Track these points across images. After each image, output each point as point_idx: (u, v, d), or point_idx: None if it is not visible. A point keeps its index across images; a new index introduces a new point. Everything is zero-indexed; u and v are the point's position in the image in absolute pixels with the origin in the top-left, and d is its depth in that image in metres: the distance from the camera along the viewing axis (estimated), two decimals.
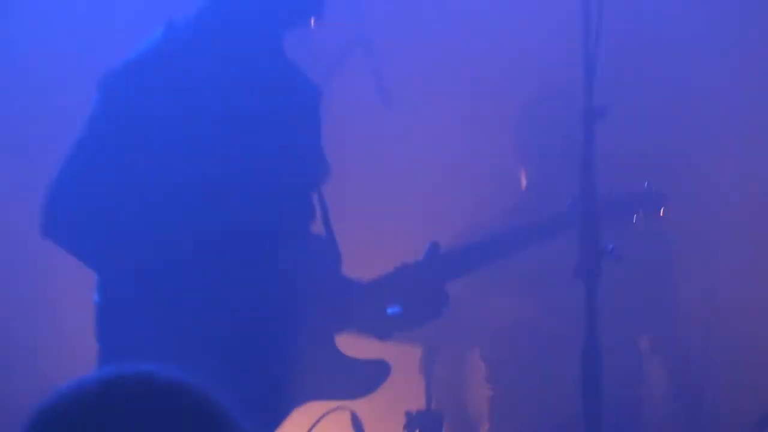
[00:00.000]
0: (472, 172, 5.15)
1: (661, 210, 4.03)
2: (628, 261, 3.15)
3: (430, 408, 3.79)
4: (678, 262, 4.96)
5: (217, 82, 3.28)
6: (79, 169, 3.25)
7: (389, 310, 3.57)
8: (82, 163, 3.26)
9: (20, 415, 1.66)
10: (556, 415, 4.46)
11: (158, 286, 3.25)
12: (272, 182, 3.35)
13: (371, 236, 4.82)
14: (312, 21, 3.44)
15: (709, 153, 5.25)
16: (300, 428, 3.60)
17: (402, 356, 3.76)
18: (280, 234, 3.37)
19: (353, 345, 3.60)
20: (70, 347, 5.37)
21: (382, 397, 3.63)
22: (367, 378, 3.54)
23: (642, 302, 4.75)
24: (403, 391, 4.00)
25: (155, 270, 3.26)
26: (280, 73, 3.42)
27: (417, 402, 3.94)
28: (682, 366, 5.07)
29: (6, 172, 5.70)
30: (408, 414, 3.72)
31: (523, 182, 4.81)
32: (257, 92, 3.33)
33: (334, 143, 3.61)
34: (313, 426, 3.59)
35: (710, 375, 5.26)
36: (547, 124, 4.63)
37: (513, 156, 4.90)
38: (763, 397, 4.90)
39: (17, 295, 5.66)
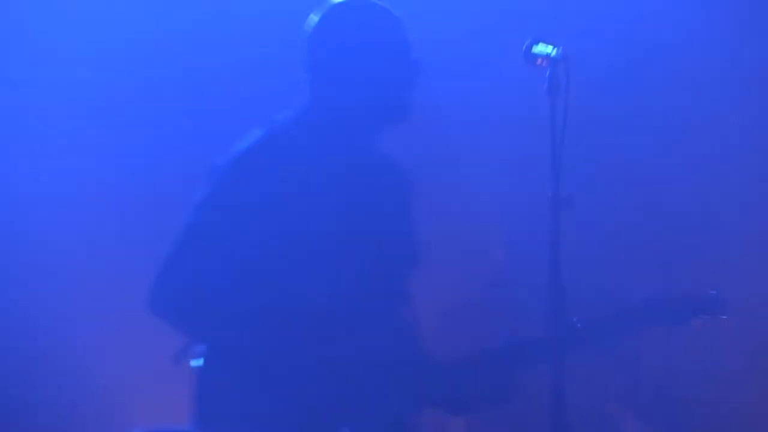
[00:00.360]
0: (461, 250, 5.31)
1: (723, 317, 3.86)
2: None
3: None
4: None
5: (319, 173, 3.50)
6: (189, 253, 3.47)
7: None
8: (192, 247, 3.48)
9: None
10: None
11: (262, 362, 3.46)
12: (371, 265, 3.55)
13: None
14: None
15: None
16: None
17: None
18: (375, 314, 3.56)
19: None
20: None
21: None
22: None
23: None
24: None
25: (260, 347, 3.46)
26: (377, 165, 3.64)
27: None
28: None
29: None
30: None
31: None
32: (357, 182, 3.56)
33: None
34: None
35: None
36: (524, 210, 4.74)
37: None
38: None
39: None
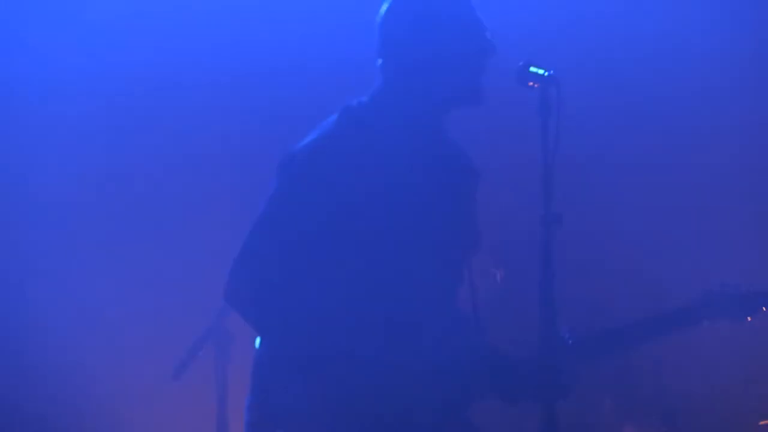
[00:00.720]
0: None
1: None
2: None
3: None
4: None
5: (395, 158, 3.49)
6: (261, 245, 3.45)
7: None
8: (264, 239, 3.46)
9: None
10: None
11: (325, 358, 3.46)
12: (444, 248, 3.56)
13: None
14: None
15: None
16: None
17: None
18: (444, 299, 3.59)
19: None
20: None
21: None
22: None
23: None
24: None
25: (325, 345, 3.46)
26: (449, 150, 3.64)
27: None
28: None
29: None
30: None
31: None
32: (432, 168, 3.55)
33: None
34: None
35: None
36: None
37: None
38: None
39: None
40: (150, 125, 6.14)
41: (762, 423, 4.87)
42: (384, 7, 3.58)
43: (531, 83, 3.40)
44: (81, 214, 5.90)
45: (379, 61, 3.57)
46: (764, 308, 3.88)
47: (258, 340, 3.52)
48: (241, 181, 5.81)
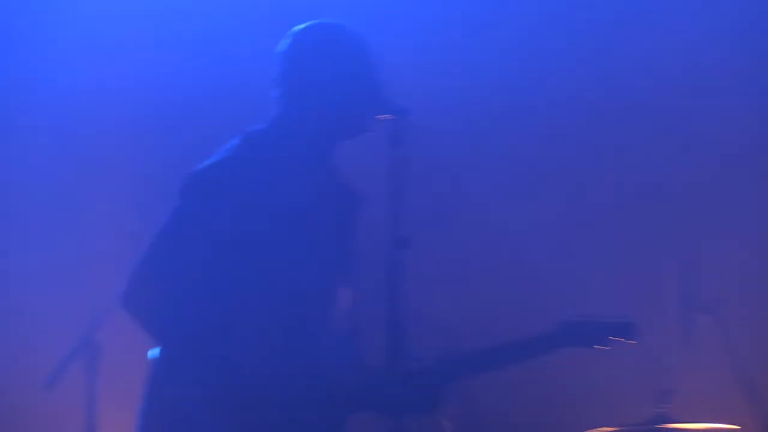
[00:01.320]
0: None
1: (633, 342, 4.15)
2: None
3: None
4: None
5: (281, 183, 3.89)
6: (159, 258, 3.79)
7: None
8: (165, 252, 3.79)
9: None
10: None
11: (217, 367, 3.82)
12: (316, 272, 3.91)
13: None
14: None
15: None
16: None
17: None
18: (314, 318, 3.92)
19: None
20: None
21: None
22: None
23: None
24: None
25: (217, 354, 3.82)
26: (329, 180, 4.02)
27: None
28: None
29: None
30: None
31: None
32: (309, 195, 3.93)
33: None
34: None
35: None
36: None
37: None
38: None
39: None
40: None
41: None
42: (286, 41, 3.98)
43: (381, 116, 3.77)
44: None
45: (278, 91, 3.96)
46: (616, 338, 4.05)
47: (154, 350, 3.81)
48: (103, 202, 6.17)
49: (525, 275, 6.08)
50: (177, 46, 6.28)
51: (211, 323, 3.83)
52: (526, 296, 5.98)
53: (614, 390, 5.94)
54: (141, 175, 6.17)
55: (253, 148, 3.90)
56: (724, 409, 5.03)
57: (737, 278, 6.28)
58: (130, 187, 6.23)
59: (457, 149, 6.24)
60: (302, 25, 4.00)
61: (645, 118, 6.30)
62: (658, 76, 6.22)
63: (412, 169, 3.68)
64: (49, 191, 6.27)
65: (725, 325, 5.25)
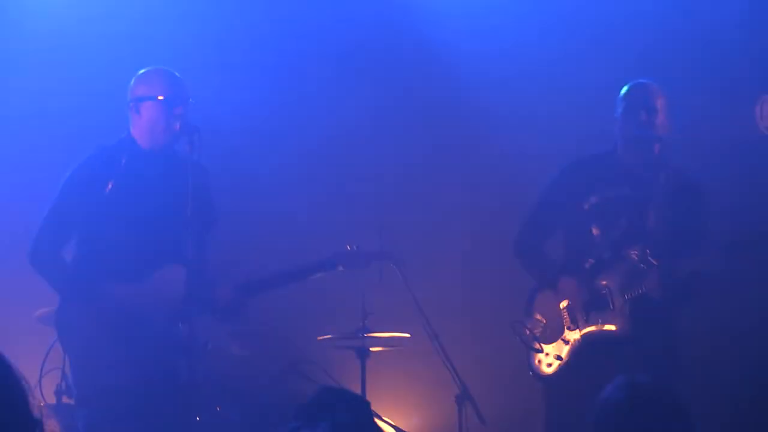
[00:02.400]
0: None
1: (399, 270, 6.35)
2: None
3: None
4: None
5: (121, 174, 5.87)
6: (47, 227, 5.77)
7: None
8: (47, 224, 5.78)
9: None
10: None
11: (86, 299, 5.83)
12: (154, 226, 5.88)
13: None
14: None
15: None
16: None
17: None
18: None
19: None
20: None
21: None
22: None
23: None
24: None
25: (103, 300, 5.79)
26: (168, 162, 5.90)
27: None
28: None
29: None
30: None
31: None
32: (151, 180, 5.91)
33: None
34: None
35: None
36: None
37: None
38: None
39: None
40: None
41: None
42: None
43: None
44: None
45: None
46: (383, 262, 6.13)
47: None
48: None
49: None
50: None
51: (86, 267, 5.75)
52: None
53: (331, 307, 7.55)
54: None
55: (102, 153, 5.81)
56: (402, 324, 6.74)
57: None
58: None
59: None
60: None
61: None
62: None
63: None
64: None
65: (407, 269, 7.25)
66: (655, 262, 5.97)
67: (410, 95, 7.97)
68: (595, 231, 6.14)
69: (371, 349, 6.72)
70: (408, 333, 6.62)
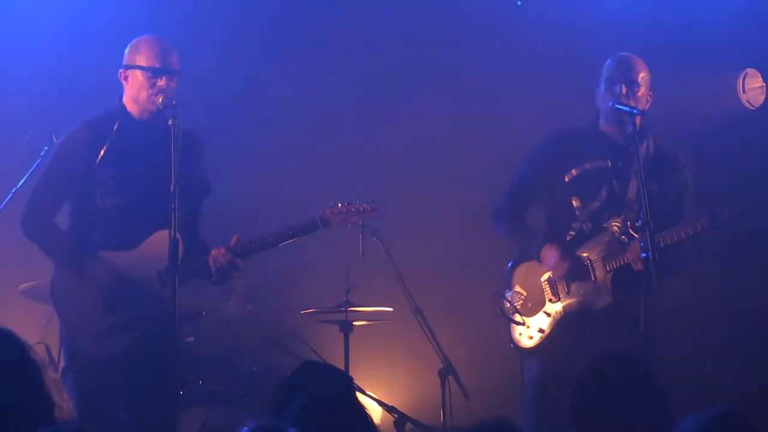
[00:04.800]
0: None
1: None
2: None
3: None
4: None
5: (106, 142, 5.97)
6: (44, 191, 5.96)
7: None
8: (46, 187, 5.95)
9: None
10: None
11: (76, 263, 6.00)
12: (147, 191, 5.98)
13: None
14: None
15: None
16: None
17: None
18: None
19: None
20: None
21: None
22: None
23: None
24: None
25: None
26: (151, 133, 5.96)
27: None
28: None
29: None
30: None
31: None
32: (130, 145, 6.00)
33: None
34: None
35: None
36: None
37: None
38: None
39: None
40: None
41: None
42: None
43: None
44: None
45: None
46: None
47: None
48: None
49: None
50: None
51: (79, 233, 5.89)
52: None
53: (314, 281, 7.68)
54: None
55: (88, 124, 5.90)
56: (387, 298, 6.94)
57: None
58: None
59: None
60: None
61: None
62: None
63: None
64: None
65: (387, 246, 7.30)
66: (636, 234, 5.98)
67: (403, 64, 8.11)
68: (575, 203, 6.17)
69: (354, 323, 6.76)
70: (391, 307, 6.73)
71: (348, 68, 8.00)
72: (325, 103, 8.09)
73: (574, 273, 6.16)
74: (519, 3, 7.27)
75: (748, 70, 7.19)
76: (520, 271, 6.38)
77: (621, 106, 6.06)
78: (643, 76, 6.18)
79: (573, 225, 6.24)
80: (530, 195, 6.42)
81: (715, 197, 6.38)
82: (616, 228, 6.13)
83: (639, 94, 6.15)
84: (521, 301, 6.33)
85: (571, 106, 6.79)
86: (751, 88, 7.18)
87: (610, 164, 6.19)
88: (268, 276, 7.38)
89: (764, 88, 7.00)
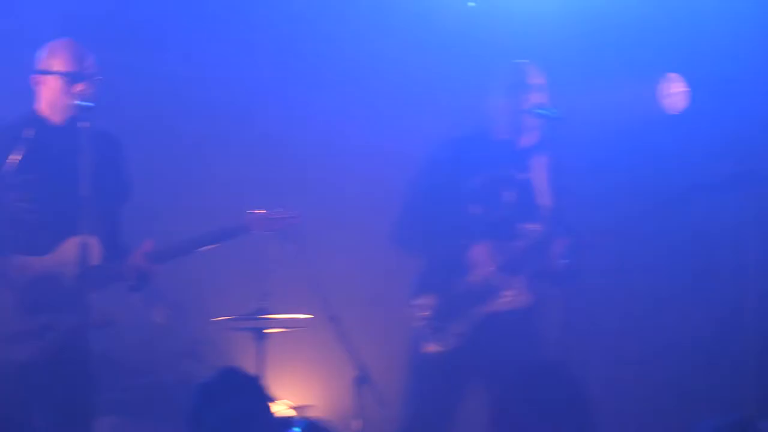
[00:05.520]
0: None
1: None
2: None
3: None
4: None
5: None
6: None
7: None
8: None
9: None
10: None
11: None
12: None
13: None
14: None
15: None
16: None
17: None
18: None
19: None
20: None
21: None
22: None
23: None
24: None
25: None
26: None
27: None
28: None
29: None
30: None
31: None
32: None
33: None
34: None
35: None
36: None
37: None
38: None
39: None
40: None
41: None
42: None
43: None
44: None
45: None
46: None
47: None
48: None
49: None
50: None
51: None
52: None
53: (230, 287, 7.48)
54: None
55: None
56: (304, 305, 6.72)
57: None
58: None
59: None
60: None
61: None
62: None
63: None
64: None
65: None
66: (548, 239, 5.96)
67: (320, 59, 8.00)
68: (481, 211, 6.10)
69: (268, 331, 6.65)
70: (310, 314, 6.62)
71: (271, 68, 7.97)
72: (243, 103, 8.02)
73: (489, 279, 6.09)
74: (472, 4, 7.13)
75: (669, 74, 7.15)
76: (432, 279, 6.33)
77: (521, 111, 6.02)
78: (540, 81, 6.25)
79: (481, 233, 6.15)
80: (430, 208, 6.34)
81: (633, 199, 6.33)
82: (528, 233, 6.09)
83: (537, 99, 6.17)
84: (434, 309, 6.26)
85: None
86: (672, 93, 7.16)
87: (511, 171, 6.19)
88: (182, 283, 7.21)
89: (686, 93, 6.98)
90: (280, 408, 6.63)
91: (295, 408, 6.57)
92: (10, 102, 6.18)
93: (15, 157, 5.78)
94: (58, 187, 5.88)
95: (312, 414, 6.31)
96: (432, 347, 6.26)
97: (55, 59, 5.88)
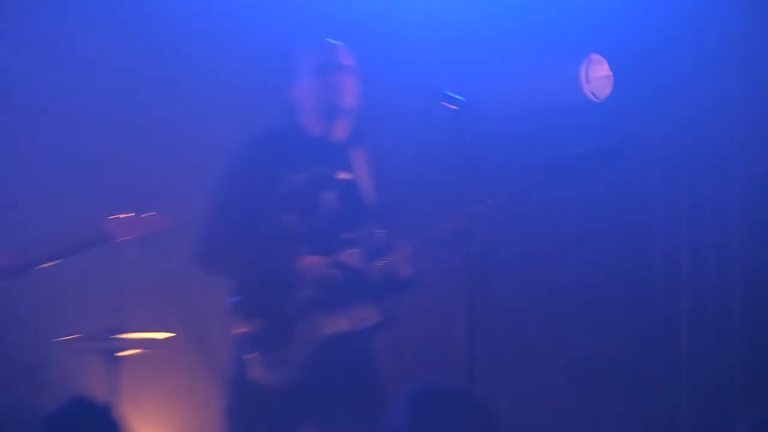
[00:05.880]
0: None
1: None
2: None
3: None
4: None
5: None
6: None
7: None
8: None
9: None
10: None
11: None
12: None
13: None
14: None
15: None
16: None
17: None
18: None
19: None
20: None
21: None
22: None
23: None
24: None
25: None
26: None
27: None
28: None
29: None
30: None
31: None
32: None
33: None
34: None
35: None
36: None
37: None
38: None
39: None
40: None
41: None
42: None
43: None
44: None
45: None
46: None
47: None
48: None
49: None
50: None
51: None
52: None
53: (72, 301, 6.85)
54: None
55: None
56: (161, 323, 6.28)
57: None
58: None
59: None
60: None
61: None
62: None
63: None
64: None
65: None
66: (386, 241, 5.34)
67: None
68: (305, 216, 5.26)
69: (120, 354, 5.94)
70: (172, 333, 6.03)
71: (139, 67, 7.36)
72: (105, 102, 7.36)
73: (328, 295, 5.41)
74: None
75: (592, 56, 6.38)
76: (251, 304, 5.54)
77: (334, 103, 5.43)
78: (352, 65, 5.50)
79: (305, 242, 5.44)
80: (239, 218, 5.58)
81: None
82: (359, 239, 5.42)
83: (351, 87, 5.47)
84: (258, 332, 5.52)
85: None
86: (596, 77, 6.44)
87: (329, 169, 5.49)
88: (18, 295, 6.48)
89: (610, 77, 6.24)
90: None
91: None
92: None
93: None
94: None
95: None
96: (263, 381, 5.40)
97: None
